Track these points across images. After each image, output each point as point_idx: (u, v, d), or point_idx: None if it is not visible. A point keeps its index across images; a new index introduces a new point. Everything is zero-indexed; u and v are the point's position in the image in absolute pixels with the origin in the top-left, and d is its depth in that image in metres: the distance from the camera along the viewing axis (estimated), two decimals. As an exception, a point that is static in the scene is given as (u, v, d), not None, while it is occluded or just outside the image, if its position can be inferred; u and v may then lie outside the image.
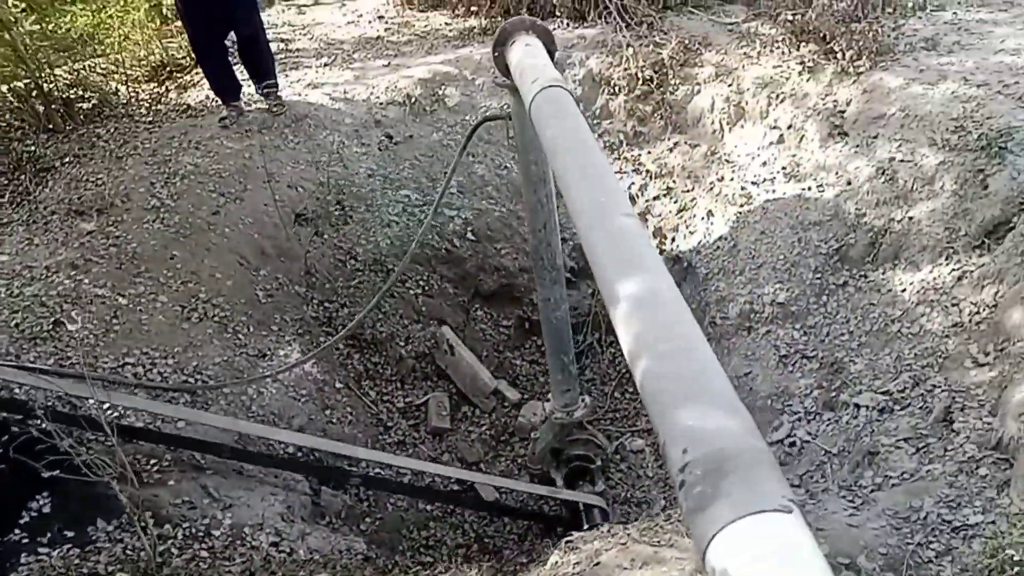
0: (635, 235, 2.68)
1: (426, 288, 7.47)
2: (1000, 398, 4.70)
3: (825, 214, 6.61)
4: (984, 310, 5.42)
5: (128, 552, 4.39)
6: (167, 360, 5.91)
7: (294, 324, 6.78)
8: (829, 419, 5.58)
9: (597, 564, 4.14)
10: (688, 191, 7.58)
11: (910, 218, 6.15)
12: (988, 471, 4.31)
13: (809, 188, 6.83)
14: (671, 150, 7.82)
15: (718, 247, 7.15)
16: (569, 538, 4.71)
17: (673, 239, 7.56)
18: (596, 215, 2.74)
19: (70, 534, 4.47)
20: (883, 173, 6.41)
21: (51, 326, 5.80)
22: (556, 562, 4.41)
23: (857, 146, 6.72)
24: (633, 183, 7.78)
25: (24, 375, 5.06)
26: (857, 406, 5.43)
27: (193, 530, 4.84)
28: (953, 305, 5.59)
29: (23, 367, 5.25)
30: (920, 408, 5.05)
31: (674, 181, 7.67)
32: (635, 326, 2.32)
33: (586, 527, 5.82)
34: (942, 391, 5.07)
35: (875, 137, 6.66)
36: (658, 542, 4.25)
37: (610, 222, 2.70)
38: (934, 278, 5.80)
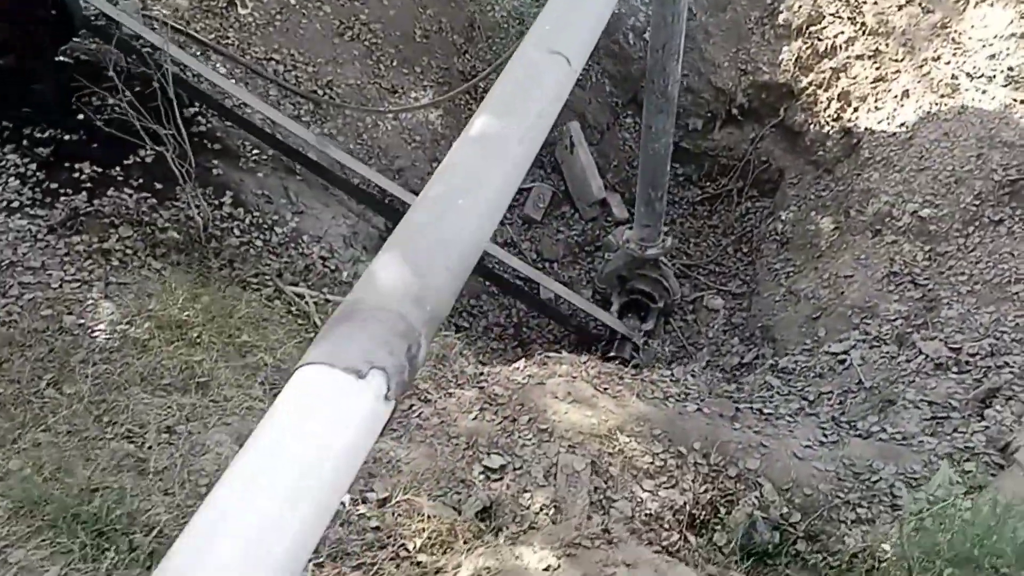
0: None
1: (580, 76, 7.26)
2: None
3: (1022, 138, 5.55)
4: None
5: (191, 220, 5.11)
6: (308, 67, 6.39)
7: (438, 72, 6.97)
8: (889, 353, 5.10)
9: (539, 384, 4.33)
10: (896, 60, 6.55)
11: (1113, 176, 5.05)
12: (975, 468, 3.87)
13: (1022, 102, 5.69)
14: (901, 7, 6.68)
15: (895, 134, 6.28)
16: (547, 354, 4.90)
17: (856, 109, 6.69)
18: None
19: (159, 186, 5.25)
20: (1115, 112, 5.19)
21: (225, 5, 6.38)
22: (517, 367, 4.64)
23: (1106, 70, 5.42)
24: (842, 33, 6.82)
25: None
26: (920, 352, 4.91)
27: (260, 221, 5.51)
28: (1095, 292, 4.71)
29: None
30: (970, 381, 4.49)
31: (887, 44, 6.63)
32: (457, 173, 2.29)
33: (612, 354, 5.95)
34: (1009, 372, 4.44)
35: None
36: (605, 389, 4.34)
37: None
38: (1095, 253, 4.85)
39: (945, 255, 5.56)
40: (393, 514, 3.36)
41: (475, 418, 4.12)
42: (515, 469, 3.86)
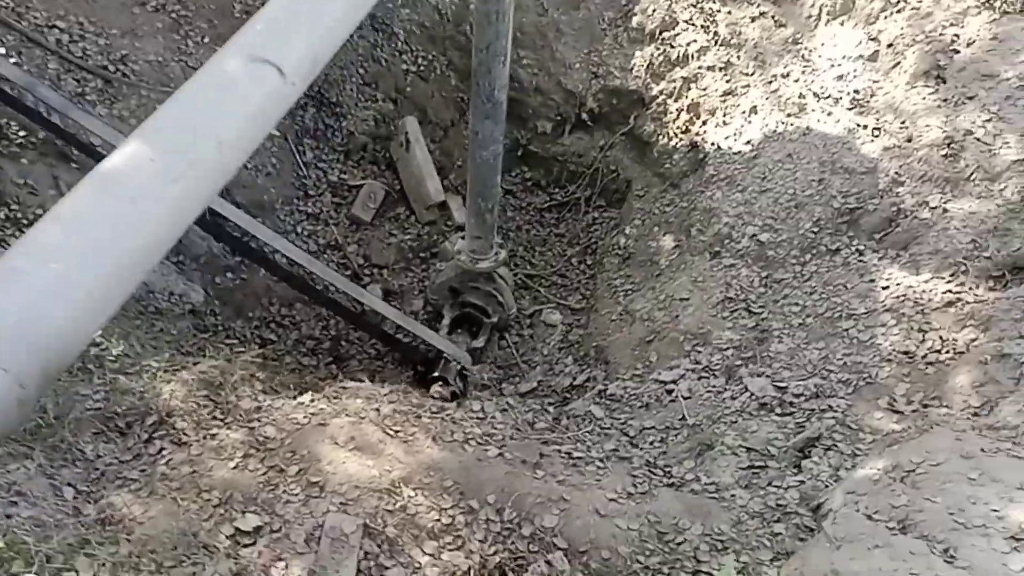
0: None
1: (422, 67, 6.72)
2: (869, 455, 3.84)
3: (862, 165, 5.38)
4: (946, 352, 4.38)
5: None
6: (99, 39, 5.56)
7: (261, 52, 6.24)
8: (716, 387, 4.81)
9: (321, 425, 3.78)
10: (747, 75, 6.31)
11: (945, 210, 4.92)
12: (789, 529, 3.58)
13: (864, 127, 5.54)
14: (754, 20, 6.45)
15: (740, 152, 6.03)
16: (342, 384, 4.36)
17: (704, 122, 6.42)
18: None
19: None
20: (950, 145, 5.07)
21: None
22: (302, 402, 4.07)
23: (944, 100, 5.30)
24: (695, 41, 6.53)
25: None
26: (746, 388, 4.63)
27: (18, 215, 4.71)
28: (919, 331, 4.55)
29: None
30: (792, 426, 4.24)
31: (739, 56, 6.38)
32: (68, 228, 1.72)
33: (435, 374, 5.46)
34: (831, 417, 4.21)
35: (971, 98, 5.22)
36: (396, 432, 3.83)
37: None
38: (923, 291, 4.70)
39: (781, 283, 5.34)
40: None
41: (236, 467, 3.53)
42: (272, 531, 3.30)
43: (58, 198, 4.74)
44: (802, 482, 3.83)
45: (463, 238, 5.73)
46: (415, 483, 3.56)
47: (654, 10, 6.75)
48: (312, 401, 4.05)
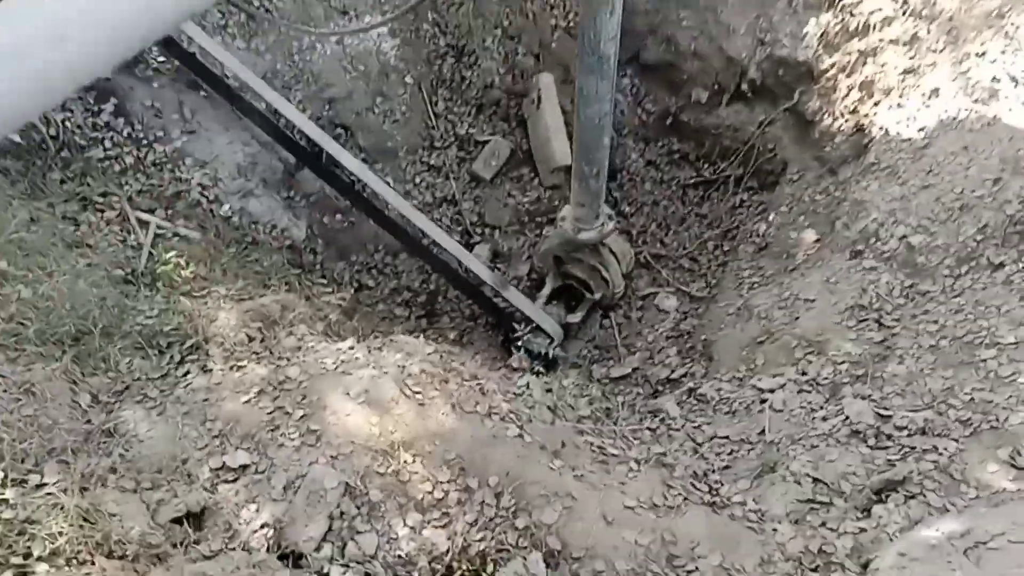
0: None
1: (572, 23, 6.36)
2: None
3: (1053, 165, 4.39)
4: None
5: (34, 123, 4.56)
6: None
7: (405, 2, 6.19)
8: (813, 404, 4.17)
9: (343, 374, 3.68)
10: (935, 51, 5.35)
11: None
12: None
13: (1065, 120, 4.51)
14: (955, -13, 5.44)
15: (909, 140, 5.16)
16: (392, 335, 4.22)
17: (877, 103, 5.56)
18: None
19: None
20: None
21: None
22: (341, 347, 3.98)
23: None
24: (880, 10, 5.63)
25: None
26: (842, 411, 3.96)
27: (139, 135, 4.98)
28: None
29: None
30: (890, 460, 3.54)
31: (928, 30, 5.42)
32: None
33: (518, 341, 5.20)
34: (931, 460, 3.47)
35: None
36: (416, 392, 3.64)
37: None
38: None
39: (925, 295, 4.51)
40: (45, 506, 2.78)
41: (247, 402, 3.49)
42: (257, 472, 3.24)
43: (180, 123, 4.98)
44: (863, 530, 3.18)
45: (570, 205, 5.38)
46: (416, 449, 3.35)
47: (838, -29, 5.91)
48: (351, 348, 3.94)
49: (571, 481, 3.37)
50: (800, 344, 4.65)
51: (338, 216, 5.68)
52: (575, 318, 5.46)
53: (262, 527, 3.05)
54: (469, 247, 5.90)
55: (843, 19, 5.83)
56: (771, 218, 5.91)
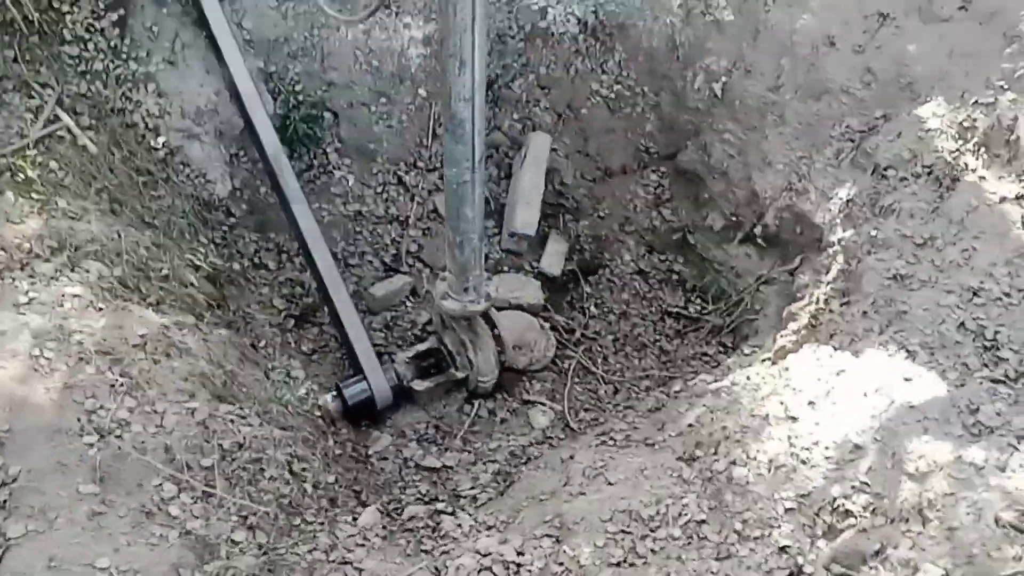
0: None
1: (616, 94, 5.77)
2: None
3: None
4: None
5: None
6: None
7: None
8: None
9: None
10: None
11: None
12: None
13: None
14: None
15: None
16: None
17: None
18: None
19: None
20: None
21: None
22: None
23: None
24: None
25: None
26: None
27: (124, 49, 5.26)
28: None
29: None
30: None
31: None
32: None
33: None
34: None
35: None
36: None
37: None
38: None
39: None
40: None
41: None
42: None
43: (166, 51, 5.24)
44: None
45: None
46: None
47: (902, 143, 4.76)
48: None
49: None
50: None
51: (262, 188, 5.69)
52: (420, 386, 5.00)
53: None
54: (389, 273, 5.66)
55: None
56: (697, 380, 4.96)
